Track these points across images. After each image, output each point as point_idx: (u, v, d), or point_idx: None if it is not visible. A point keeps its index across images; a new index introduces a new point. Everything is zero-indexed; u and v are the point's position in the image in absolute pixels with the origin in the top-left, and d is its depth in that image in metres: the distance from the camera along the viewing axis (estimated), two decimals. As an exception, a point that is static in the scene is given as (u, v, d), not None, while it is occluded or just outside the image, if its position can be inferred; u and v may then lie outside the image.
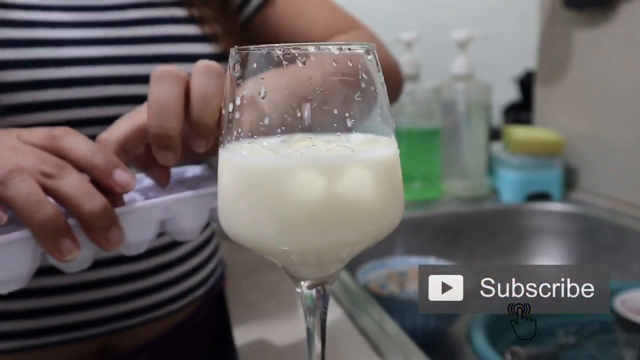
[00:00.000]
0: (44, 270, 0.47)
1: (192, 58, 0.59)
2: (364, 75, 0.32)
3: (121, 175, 0.39)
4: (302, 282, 0.36)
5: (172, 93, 0.39)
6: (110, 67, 0.55)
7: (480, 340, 0.64)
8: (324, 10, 0.67)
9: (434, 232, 1.04)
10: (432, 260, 0.89)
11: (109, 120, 0.55)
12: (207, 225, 0.68)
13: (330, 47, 0.31)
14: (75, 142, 0.39)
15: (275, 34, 0.66)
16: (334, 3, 0.69)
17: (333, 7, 0.69)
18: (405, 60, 1.10)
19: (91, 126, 0.55)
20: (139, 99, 0.56)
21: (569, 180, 1.12)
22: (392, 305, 0.75)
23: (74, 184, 0.37)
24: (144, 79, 0.56)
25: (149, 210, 0.41)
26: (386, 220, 0.33)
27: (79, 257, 0.38)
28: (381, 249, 0.97)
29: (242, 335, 0.61)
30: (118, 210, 0.39)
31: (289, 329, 0.62)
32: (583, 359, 0.74)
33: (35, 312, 0.56)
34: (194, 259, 0.65)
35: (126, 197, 0.43)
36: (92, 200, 0.37)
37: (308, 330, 0.37)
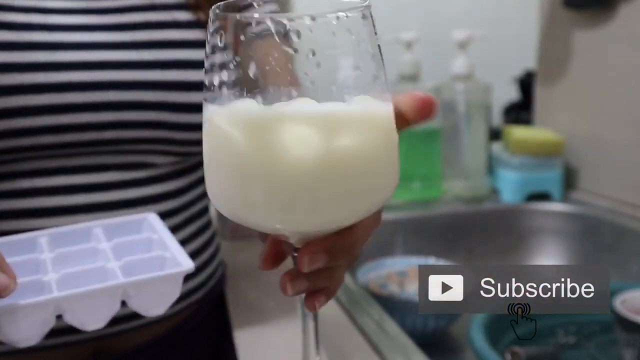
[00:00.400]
0: None
1: (192, 64, 0.58)
2: (363, 41, 0.30)
3: None
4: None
5: None
6: (108, 72, 0.54)
7: (480, 340, 0.64)
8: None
9: (434, 232, 1.04)
10: (432, 260, 0.89)
11: (105, 126, 0.55)
12: (207, 228, 0.68)
13: (327, 15, 0.29)
14: None
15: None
16: None
17: None
18: (405, 60, 1.10)
19: (87, 131, 0.54)
20: (137, 105, 0.55)
21: (569, 180, 1.12)
22: (392, 305, 0.75)
23: None
24: (143, 85, 0.56)
25: (35, 309, 0.38)
26: (381, 193, 0.32)
27: (21, 336, 0.37)
28: (381, 249, 0.97)
29: (243, 335, 0.61)
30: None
31: (289, 329, 0.62)
32: (583, 359, 0.74)
33: None
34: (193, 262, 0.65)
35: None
36: None
37: (303, 314, 0.36)
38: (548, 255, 1.04)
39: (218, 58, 0.31)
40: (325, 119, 0.28)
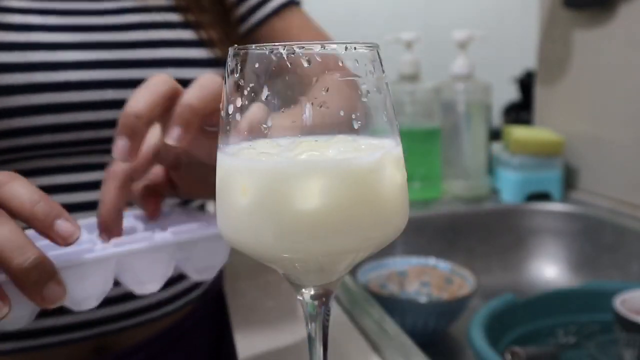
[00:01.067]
0: None
1: (187, 63, 0.59)
2: (370, 76, 0.31)
3: (62, 226, 0.36)
4: (304, 290, 0.35)
5: (153, 89, 0.40)
6: (105, 72, 0.55)
7: (480, 340, 0.63)
8: (318, 36, 0.68)
9: (434, 232, 1.04)
10: (432, 260, 0.89)
11: (103, 125, 0.56)
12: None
13: (336, 46, 0.30)
14: (16, 190, 0.36)
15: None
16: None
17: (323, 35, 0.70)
18: (405, 60, 1.10)
19: (85, 130, 0.55)
20: None
21: (569, 180, 1.12)
22: (392, 305, 0.75)
23: (3, 235, 0.34)
24: (140, 83, 0.56)
25: (98, 264, 0.38)
26: (390, 226, 0.32)
27: (11, 315, 0.35)
28: (381, 249, 0.97)
29: (242, 335, 0.61)
30: (61, 263, 0.36)
31: (289, 330, 0.62)
32: (583, 359, 0.74)
33: None
34: None
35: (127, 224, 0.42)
36: (22, 254, 0.34)
37: (309, 336, 0.36)
38: (548, 255, 1.04)
39: (235, 94, 0.32)
40: (328, 171, 0.30)
